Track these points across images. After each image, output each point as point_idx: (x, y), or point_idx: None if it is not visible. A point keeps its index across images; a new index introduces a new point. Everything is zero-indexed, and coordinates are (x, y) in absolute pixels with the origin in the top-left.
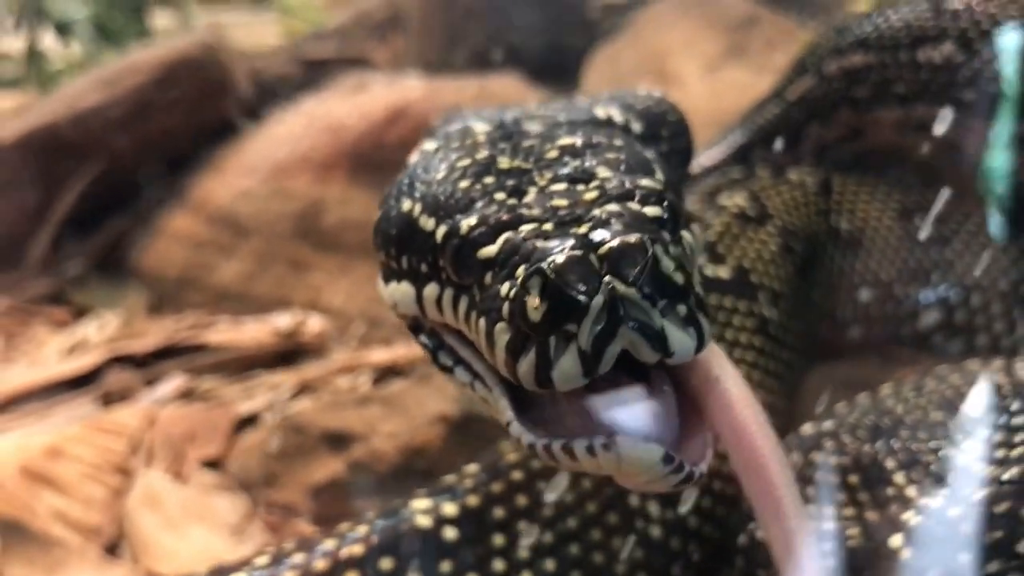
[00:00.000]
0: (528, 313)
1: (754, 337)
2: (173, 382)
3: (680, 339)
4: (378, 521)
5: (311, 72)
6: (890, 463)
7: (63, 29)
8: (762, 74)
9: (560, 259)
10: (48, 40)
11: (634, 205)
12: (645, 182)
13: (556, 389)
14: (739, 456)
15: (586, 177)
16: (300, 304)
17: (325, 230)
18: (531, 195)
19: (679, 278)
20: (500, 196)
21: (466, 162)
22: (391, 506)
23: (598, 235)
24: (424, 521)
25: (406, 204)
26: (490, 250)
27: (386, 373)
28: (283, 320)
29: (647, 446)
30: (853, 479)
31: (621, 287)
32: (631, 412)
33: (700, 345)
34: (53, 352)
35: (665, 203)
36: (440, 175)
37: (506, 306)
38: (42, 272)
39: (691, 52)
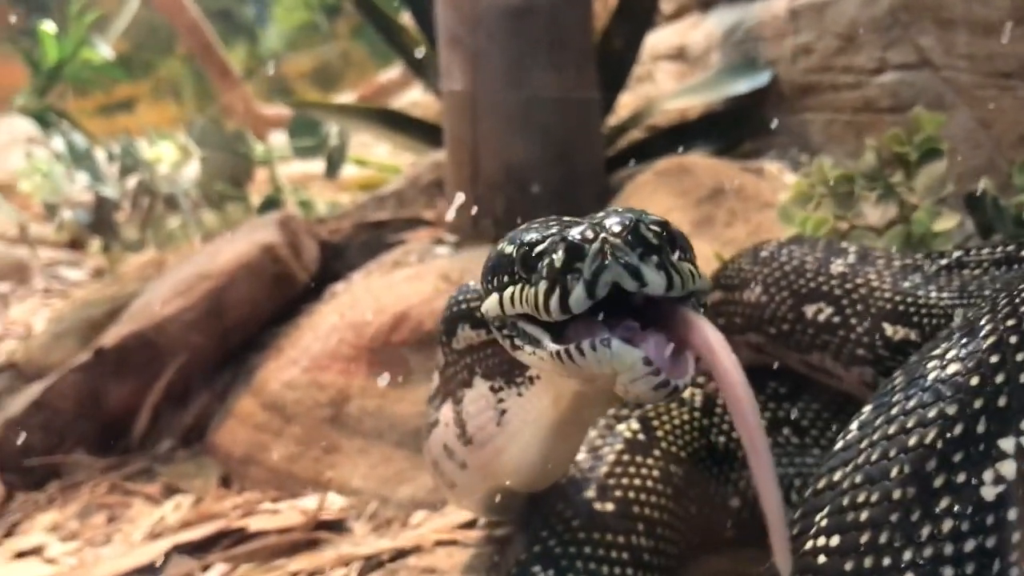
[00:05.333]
0: (555, 264)
1: (627, 569)
2: (219, 569)
3: (652, 277)
4: None
5: (373, 233)
6: None
7: (171, 202)
8: (725, 247)
9: (577, 231)
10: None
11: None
12: (658, 218)
13: (573, 312)
14: (717, 377)
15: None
16: (330, 483)
17: (348, 417)
18: (576, 225)
19: (655, 241)
20: (554, 228)
21: (536, 226)
22: None
23: (606, 222)
24: None
25: (500, 247)
26: (541, 246)
27: (372, 566)
28: (310, 502)
29: (632, 347)
30: None
31: (611, 238)
32: (627, 331)
33: (670, 286)
34: (140, 532)
35: (663, 227)
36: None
37: (545, 269)
38: (141, 450)
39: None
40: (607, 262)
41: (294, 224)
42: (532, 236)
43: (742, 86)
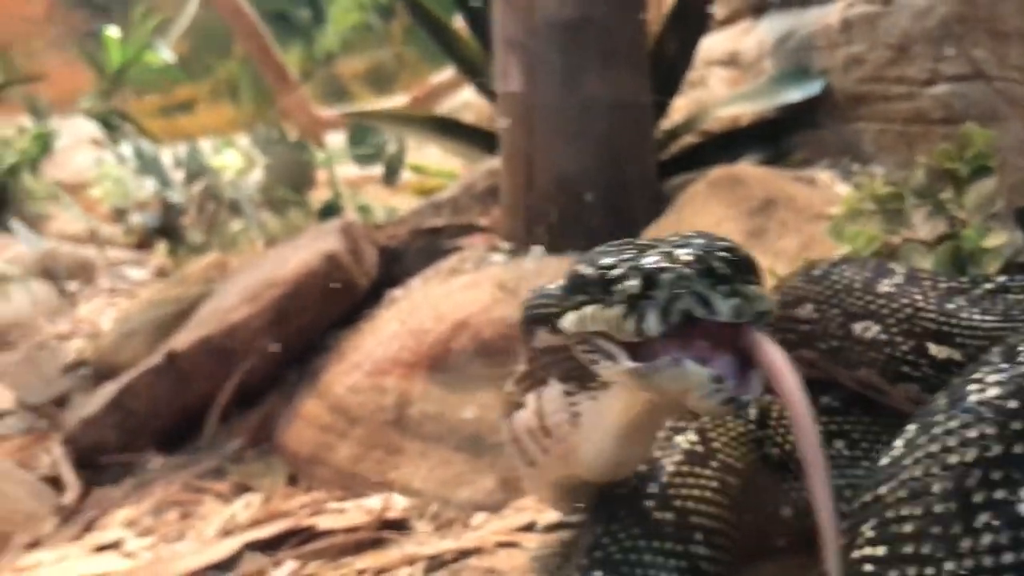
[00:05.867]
0: (631, 291)
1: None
2: (289, 567)
3: (721, 305)
4: None
5: (429, 239)
6: None
7: (234, 207)
8: (777, 258)
9: (651, 261)
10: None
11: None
12: (726, 243)
13: (647, 336)
14: (780, 393)
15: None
16: (393, 484)
17: (410, 420)
18: (650, 252)
19: (725, 271)
20: (629, 254)
21: (612, 249)
22: None
23: (678, 252)
24: None
25: (577, 268)
26: (617, 271)
27: (435, 565)
28: (374, 502)
29: (702, 367)
30: None
31: (684, 269)
32: (698, 351)
33: (738, 314)
34: (213, 529)
35: (732, 253)
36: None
37: (621, 295)
38: (210, 450)
39: (720, 233)
40: (679, 291)
41: (355, 231)
42: (608, 260)
43: (795, 94)
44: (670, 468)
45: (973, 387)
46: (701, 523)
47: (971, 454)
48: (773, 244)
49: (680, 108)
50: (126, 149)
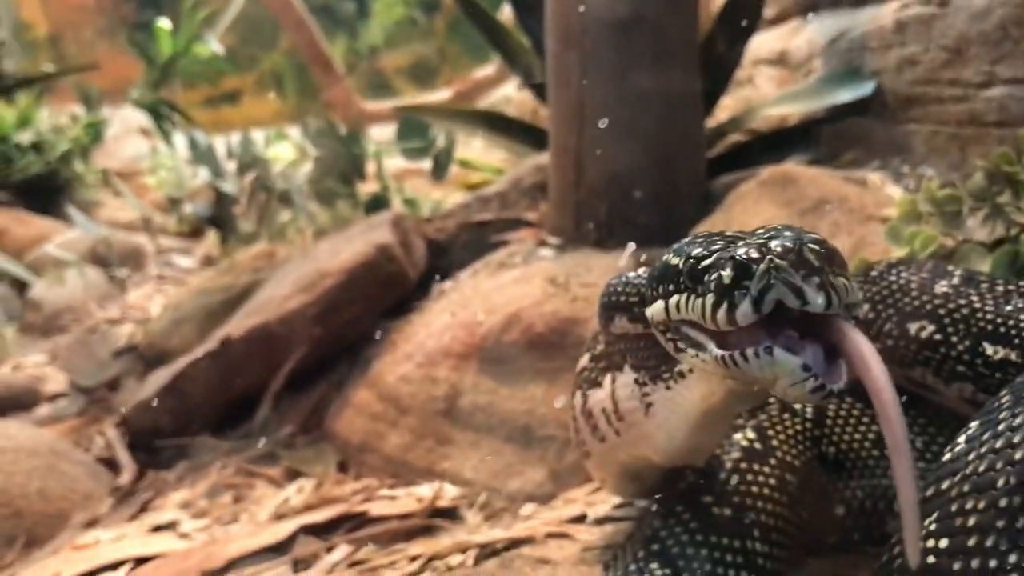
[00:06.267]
0: (723, 280)
1: (741, 572)
2: (343, 551)
3: (813, 296)
4: None
5: (476, 232)
6: None
7: (284, 198)
8: None
9: (744, 251)
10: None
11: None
12: (816, 235)
13: (739, 325)
14: (867, 383)
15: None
16: (442, 473)
17: (461, 411)
18: (740, 243)
19: (817, 263)
20: (718, 244)
21: (700, 240)
22: None
23: (771, 243)
24: None
25: (665, 258)
26: (708, 261)
27: (487, 553)
28: (424, 490)
29: (792, 355)
30: None
31: (777, 259)
32: (788, 340)
33: (828, 305)
34: (266, 512)
35: (822, 246)
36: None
37: (713, 284)
38: (263, 435)
39: None
40: (772, 282)
41: (405, 224)
42: (698, 250)
43: (845, 95)
44: (728, 465)
45: None
46: (758, 519)
47: None
48: None
49: (727, 107)
50: (180, 139)
